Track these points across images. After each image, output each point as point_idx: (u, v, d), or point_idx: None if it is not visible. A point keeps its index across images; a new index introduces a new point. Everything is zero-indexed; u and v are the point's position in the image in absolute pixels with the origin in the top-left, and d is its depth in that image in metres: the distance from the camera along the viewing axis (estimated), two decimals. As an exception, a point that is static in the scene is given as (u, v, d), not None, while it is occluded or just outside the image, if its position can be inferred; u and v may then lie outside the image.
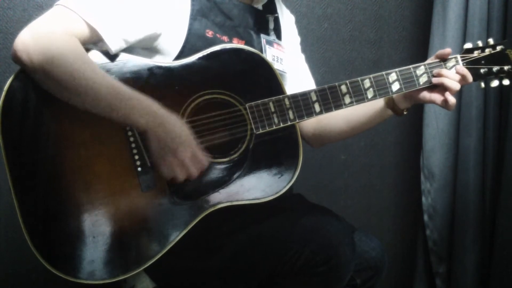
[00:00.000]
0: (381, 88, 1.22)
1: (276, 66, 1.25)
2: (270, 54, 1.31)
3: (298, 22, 1.51)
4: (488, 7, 1.93)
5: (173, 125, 1.08)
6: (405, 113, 1.31)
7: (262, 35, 1.32)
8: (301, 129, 1.42)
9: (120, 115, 1.05)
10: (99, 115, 1.05)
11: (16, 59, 1.02)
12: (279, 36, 1.39)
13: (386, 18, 2.16)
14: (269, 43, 1.33)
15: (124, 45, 1.11)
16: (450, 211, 2.08)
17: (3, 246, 1.72)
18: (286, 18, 1.47)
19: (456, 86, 1.22)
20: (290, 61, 1.41)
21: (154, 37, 1.16)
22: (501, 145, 1.96)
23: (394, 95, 1.27)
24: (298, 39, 1.51)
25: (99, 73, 1.05)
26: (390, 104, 1.30)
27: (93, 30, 1.07)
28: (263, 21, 1.35)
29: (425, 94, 1.26)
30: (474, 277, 2.05)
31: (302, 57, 1.50)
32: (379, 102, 1.30)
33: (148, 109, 1.06)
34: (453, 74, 1.23)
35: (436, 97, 1.25)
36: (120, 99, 1.04)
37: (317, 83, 1.43)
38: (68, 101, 1.04)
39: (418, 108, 1.73)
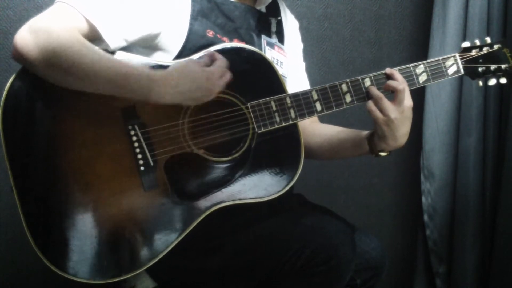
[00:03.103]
0: (381, 86, 1.22)
1: None
2: (270, 56, 1.29)
3: (298, 22, 1.51)
4: (488, 7, 1.93)
5: (178, 76, 1.08)
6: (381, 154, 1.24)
7: (263, 36, 1.31)
8: None
9: (141, 95, 1.05)
10: (112, 95, 1.05)
11: (17, 55, 1.02)
12: (281, 40, 1.38)
13: (386, 18, 2.16)
14: (270, 45, 1.32)
15: (123, 44, 1.11)
16: (450, 211, 2.08)
17: (3, 246, 1.72)
18: (290, 23, 1.46)
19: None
20: (291, 66, 1.40)
21: (154, 37, 1.15)
22: (501, 145, 1.96)
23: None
24: (301, 45, 1.50)
25: (106, 55, 1.05)
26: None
27: (92, 27, 1.07)
28: (266, 24, 1.34)
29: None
30: (474, 277, 2.04)
31: (302, 65, 1.49)
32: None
33: (158, 82, 1.06)
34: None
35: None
36: (132, 77, 1.05)
37: (317, 83, 1.42)
38: (74, 86, 1.04)
39: (418, 108, 1.71)
